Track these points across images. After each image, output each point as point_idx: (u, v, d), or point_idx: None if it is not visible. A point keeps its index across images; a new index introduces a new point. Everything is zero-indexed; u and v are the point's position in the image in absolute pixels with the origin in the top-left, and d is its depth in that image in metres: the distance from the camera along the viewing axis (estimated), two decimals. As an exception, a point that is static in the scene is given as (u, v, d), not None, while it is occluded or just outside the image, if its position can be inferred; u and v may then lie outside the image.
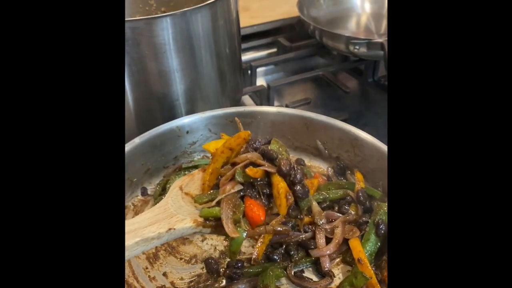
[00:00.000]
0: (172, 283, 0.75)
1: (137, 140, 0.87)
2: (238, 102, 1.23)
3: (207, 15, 0.95)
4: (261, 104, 1.32)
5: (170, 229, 0.65)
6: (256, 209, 0.71)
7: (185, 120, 0.95)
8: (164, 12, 1.33)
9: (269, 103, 1.31)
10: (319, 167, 0.98)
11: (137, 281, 0.75)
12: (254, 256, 0.76)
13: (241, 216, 0.70)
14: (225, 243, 0.82)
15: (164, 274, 0.77)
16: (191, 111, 1.02)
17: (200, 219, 0.69)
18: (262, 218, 0.71)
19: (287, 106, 1.25)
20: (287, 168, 0.71)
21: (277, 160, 0.73)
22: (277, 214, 0.73)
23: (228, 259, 0.78)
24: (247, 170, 0.70)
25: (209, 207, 0.70)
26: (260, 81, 1.47)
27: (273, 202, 0.73)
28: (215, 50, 1.03)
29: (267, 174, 0.73)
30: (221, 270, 0.76)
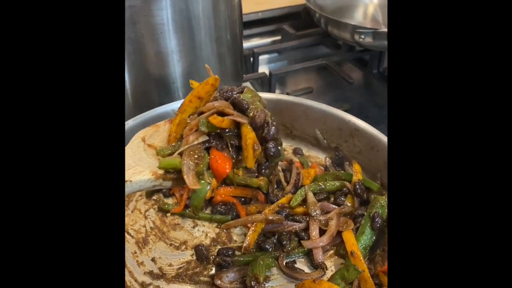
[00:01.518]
0: (160, 269, 0.73)
1: (130, 122, 0.85)
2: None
3: (208, -4, 0.92)
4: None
5: (126, 181, 0.60)
6: (221, 161, 0.64)
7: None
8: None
9: (271, 91, 1.28)
10: (317, 157, 0.96)
11: (125, 266, 0.74)
12: (245, 245, 0.74)
13: (204, 168, 0.63)
14: (217, 230, 0.80)
15: (153, 260, 0.75)
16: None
17: (160, 171, 0.64)
18: (227, 171, 0.64)
19: (288, 94, 1.22)
20: (261, 121, 0.64)
21: (248, 110, 0.65)
22: (250, 170, 0.67)
23: (219, 247, 0.76)
24: (210, 118, 0.64)
25: (169, 158, 0.65)
26: (263, 69, 1.43)
27: (242, 155, 0.66)
28: (215, 34, 1.00)
29: (237, 125, 0.66)
30: (211, 257, 0.75)
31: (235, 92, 0.68)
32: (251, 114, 0.65)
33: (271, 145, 0.65)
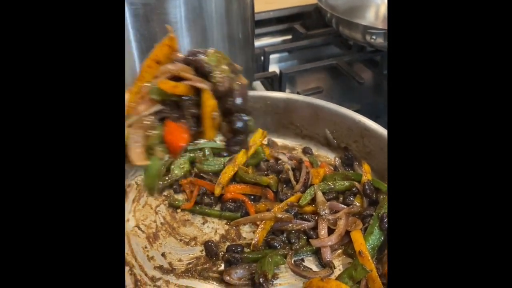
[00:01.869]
0: (170, 263, 0.74)
1: (143, 119, 0.86)
2: (249, 88, 1.21)
3: (221, -5, 0.93)
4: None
5: None
6: (176, 133, 0.56)
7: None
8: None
9: (281, 90, 1.29)
10: (326, 156, 0.96)
11: (136, 260, 0.75)
12: (254, 242, 0.75)
13: (157, 142, 0.56)
14: (226, 227, 0.81)
15: (163, 255, 0.76)
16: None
17: None
18: (183, 144, 0.57)
19: (298, 93, 1.22)
20: (225, 88, 0.54)
21: (212, 74, 0.56)
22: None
23: (228, 243, 0.77)
24: (159, 83, 0.55)
25: None
26: (273, 68, 1.44)
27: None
28: (227, 33, 1.01)
29: (198, 92, 0.57)
30: (220, 253, 0.75)
31: (200, 55, 0.58)
32: (214, 80, 0.56)
33: (235, 117, 0.57)
